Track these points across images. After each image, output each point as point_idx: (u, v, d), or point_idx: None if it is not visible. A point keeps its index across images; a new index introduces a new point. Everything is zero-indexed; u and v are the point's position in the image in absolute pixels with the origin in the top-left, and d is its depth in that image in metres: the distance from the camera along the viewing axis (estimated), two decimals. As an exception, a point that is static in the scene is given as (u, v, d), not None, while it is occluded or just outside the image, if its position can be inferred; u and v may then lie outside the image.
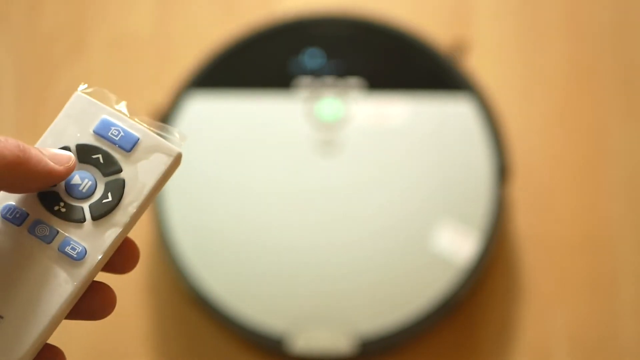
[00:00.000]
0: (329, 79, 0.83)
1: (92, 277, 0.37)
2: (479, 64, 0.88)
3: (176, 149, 0.39)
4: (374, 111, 0.82)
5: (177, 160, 0.39)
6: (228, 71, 0.84)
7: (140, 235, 0.85)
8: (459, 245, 0.78)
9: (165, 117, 0.82)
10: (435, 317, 0.77)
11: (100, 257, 0.37)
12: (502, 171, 0.80)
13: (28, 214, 0.38)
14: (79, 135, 0.38)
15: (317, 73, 0.84)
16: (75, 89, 0.40)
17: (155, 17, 0.92)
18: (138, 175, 0.38)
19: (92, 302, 0.38)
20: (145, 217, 0.83)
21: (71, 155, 0.38)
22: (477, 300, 0.83)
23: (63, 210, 0.38)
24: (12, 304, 0.36)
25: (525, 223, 0.85)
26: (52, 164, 0.37)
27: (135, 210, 0.38)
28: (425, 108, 0.82)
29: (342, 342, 0.77)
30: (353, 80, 0.83)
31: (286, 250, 0.79)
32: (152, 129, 0.39)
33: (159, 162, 0.39)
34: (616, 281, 0.83)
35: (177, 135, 0.39)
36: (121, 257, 0.39)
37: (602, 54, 0.90)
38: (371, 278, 0.78)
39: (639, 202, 0.86)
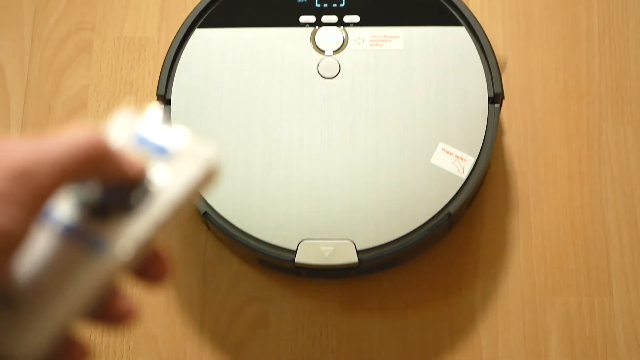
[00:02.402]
0: (330, 12, 0.86)
1: (116, 273, 0.38)
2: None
3: (207, 157, 0.40)
4: (374, 40, 0.85)
5: (210, 168, 0.40)
6: (230, 9, 0.86)
7: None
8: (457, 163, 0.80)
9: (170, 51, 0.84)
10: (435, 232, 0.79)
11: (123, 252, 0.37)
12: (496, 95, 0.82)
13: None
14: None
15: (318, 7, 0.86)
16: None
17: (159, 22, 0.93)
18: (166, 180, 0.39)
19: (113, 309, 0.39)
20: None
21: (144, 162, 0.39)
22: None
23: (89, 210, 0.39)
24: (31, 295, 0.37)
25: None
26: (127, 166, 0.38)
27: (160, 211, 0.38)
28: (423, 37, 0.84)
29: (346, 254, 0.78)
30: (353, 15, 0.86)
31: (291, 169, 0.80)
32: (186, 139, 0.40)
33: (189, 169, 0.39)
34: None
35: (210, 146, 0.40)
36: (151, 267, 0.39)
37: (594, 58, 0.91)
38: (373, 194, 0.80)
39: (631, 198, 0.87)
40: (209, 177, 0.40)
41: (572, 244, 0.85)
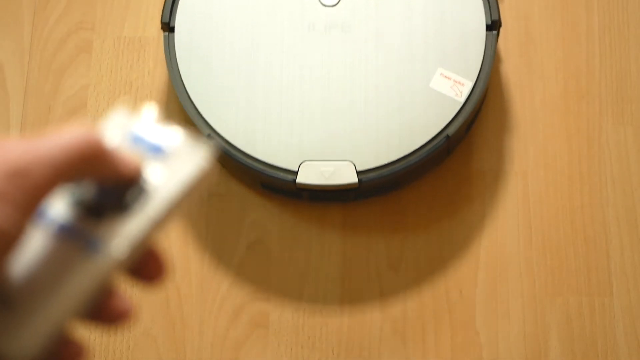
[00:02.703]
0: None
1: (111, 273, 0.38)
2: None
3: (202, 156, 0.39)
4: None
5: (205, 166, 0.40)
6: None
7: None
8: (455, 87, 0.82)
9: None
10: (434, 155, 0.81)
11: (118, 251, 0.37)
12: (493, 22, 0.84)
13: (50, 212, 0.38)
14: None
15: None
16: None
17: (159, 22, 0.93)
18: (162, 179, 0.39)
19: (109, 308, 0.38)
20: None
21: (140, 162, 0.39)
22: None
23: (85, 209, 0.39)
24: (26, 294, 0.37)
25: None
26: (122, 165, 0.38)
27: (155, 210, 0.38)
28: None
29: (346, 174, 0.80)
30: None
31: (293, 92, 0.83)
32: (182, 139, 0.40)
33: (184, 168, 0.39)
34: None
35: (206, 145, 0.40)
36: (148, 266, 0.39)
37: (594, 58, 0.91)
38: (373, 117, 0.82)
39: (631, 198, 0.87)
40: (204, 176, 0.40)
41: (572, 244, 0.85)
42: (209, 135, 0.81)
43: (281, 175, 0.81)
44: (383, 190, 0.85)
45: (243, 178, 0.87)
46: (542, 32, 0.92)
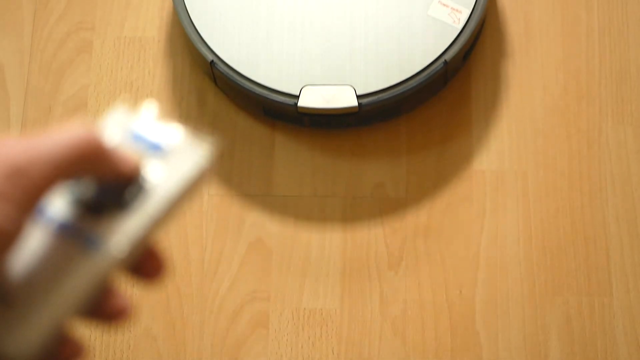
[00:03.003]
0: None
1: (110, 271, 0.38)
2: (480, 71, 0.90)
3: (202, 154, 0.39)
4: None
5: (205, 164, 0.39)
6: None
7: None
8: (452, 14, 0.84)
9: None
10: (432, 80, 0.83)
11: (117, 249, 0.37)
12: None
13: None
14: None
15: None
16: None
17: (159, 22, 0.94)
18: (161, 177, 0.39)
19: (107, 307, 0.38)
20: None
21: (139, 160, 0.39)
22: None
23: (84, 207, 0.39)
24: (25, 292, 0.36)
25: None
26: (122, 163, 0.38)
27: (154, 208, 0.38)
28: None
29: (346, 97, 0.82)
30: None
31: (295, 18, 0.85)
32: (182, 137, 0.40)
33: (184, 166, 0.39)
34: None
35: (206, 142, 0.40)
36: (147, 264, 0.39)
37: (594, 58, 0.91)
38: (373, 43, 0.84)
39: (631, 198, 0.87)
40: (204, 174, 0.40)
41: (572, 244, 0.85)
42: (212, 62, 0.83)
43: (283, 99, 0.82)
44: (383, 116, 0.86)
45: (246, 105, 0.88)
46: (542, 32, 0.92)
